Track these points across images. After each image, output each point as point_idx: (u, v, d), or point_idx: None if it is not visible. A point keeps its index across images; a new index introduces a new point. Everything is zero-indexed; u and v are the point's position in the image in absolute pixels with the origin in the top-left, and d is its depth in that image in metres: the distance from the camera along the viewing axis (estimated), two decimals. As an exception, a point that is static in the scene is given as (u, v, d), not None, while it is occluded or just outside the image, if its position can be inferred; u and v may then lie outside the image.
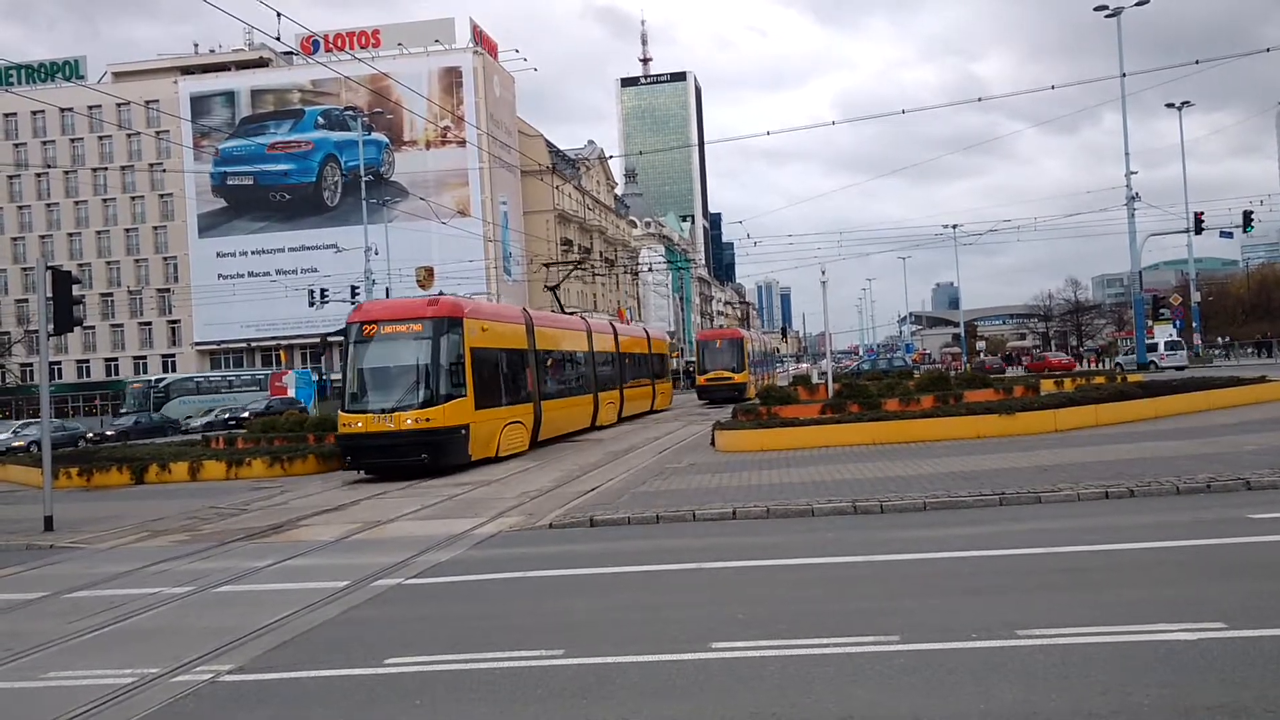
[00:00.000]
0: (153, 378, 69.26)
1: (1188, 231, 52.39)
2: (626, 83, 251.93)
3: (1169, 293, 72.86)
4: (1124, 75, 47.45)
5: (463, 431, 20.70)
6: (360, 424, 20.28)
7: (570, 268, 38.39)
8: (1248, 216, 48.76)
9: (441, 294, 23.34)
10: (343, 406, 21.20)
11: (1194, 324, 63.40)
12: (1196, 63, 36.09)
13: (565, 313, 34.87)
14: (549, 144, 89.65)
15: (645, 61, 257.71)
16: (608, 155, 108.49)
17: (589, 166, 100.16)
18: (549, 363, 27.59)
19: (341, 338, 22.07)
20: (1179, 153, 73.66)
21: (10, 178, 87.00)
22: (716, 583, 9.07)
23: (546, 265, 38.42)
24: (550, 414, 26.52)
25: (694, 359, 59.86)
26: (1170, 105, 58.21)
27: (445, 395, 20.48)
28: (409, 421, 20.07)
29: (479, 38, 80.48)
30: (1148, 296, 57.50)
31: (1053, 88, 46.51)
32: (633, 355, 38.70)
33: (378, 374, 21.01)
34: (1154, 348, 53.14)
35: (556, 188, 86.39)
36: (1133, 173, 50.55)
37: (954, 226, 67.95)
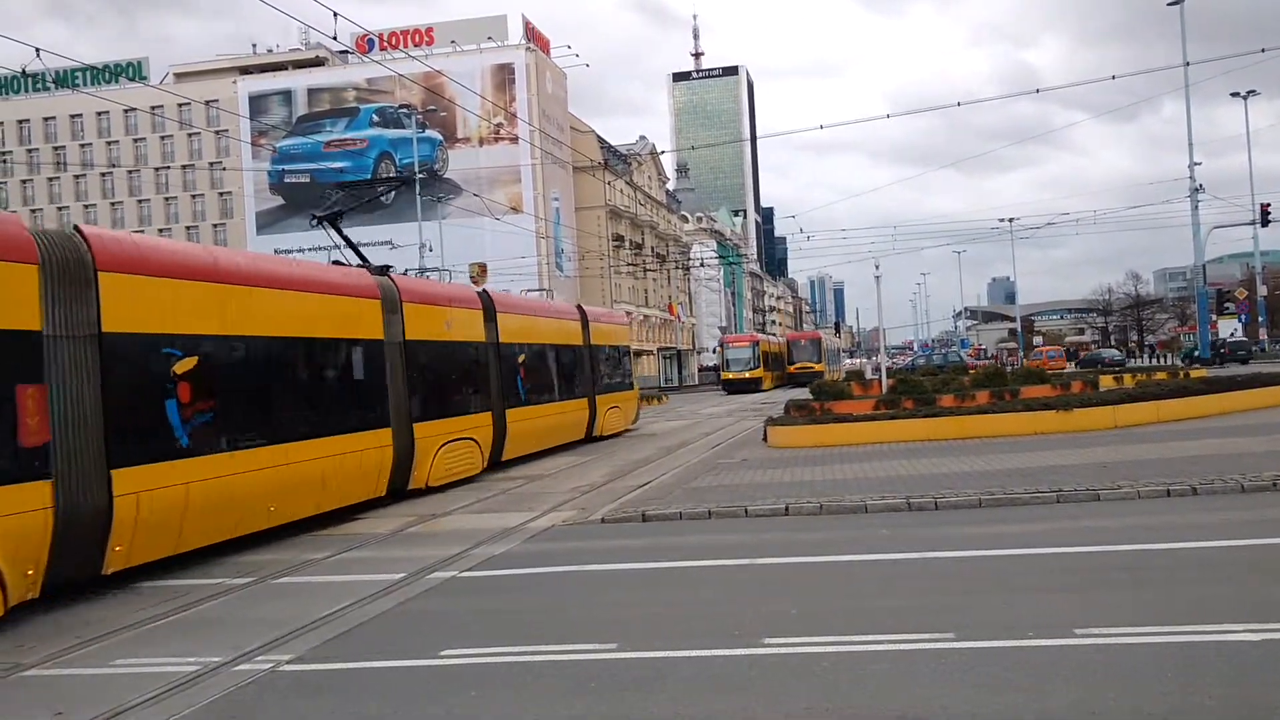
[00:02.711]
0: None
1: (1253, 224, 51.11)
2: (678, 77, 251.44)
3: (1234, 286, 71.13)
4: (1187, 64, 46.42)
5: None
6: None
7: (369, 194, 21.48)
8: (1316, 208, 47.41)
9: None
10: None
11: (1259, 318, 61.90)
12: (1263, 50, 35.21)
13: (369, 267, 17.45)
14: (600, 139, 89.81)
15: (697, 56, 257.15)
16: (659, 150, 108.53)
17: (640, 162, 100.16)
18: (211, 369, 11.91)
19: None
20: (1244, 142, 72.08)
21: (76, 177, 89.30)
22: (769, 578, 9.06)
23: (330, 200, 20.19)
24: (204, 491, 11.39)
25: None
26: (1235, 94, 56.87)
27: None
28: None
29: (531, 34, 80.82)
30: (1211, 290, 56.24)
31: (1113, 78, 45.91)
32: (542, 350, 23.60)
33: None
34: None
35: (608, 183, 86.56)
36: (1196, 163, 49.44)
37: (1010, 220, 67.09)
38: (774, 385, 63.56)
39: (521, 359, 21.91)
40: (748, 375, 59.47)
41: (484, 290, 21.59)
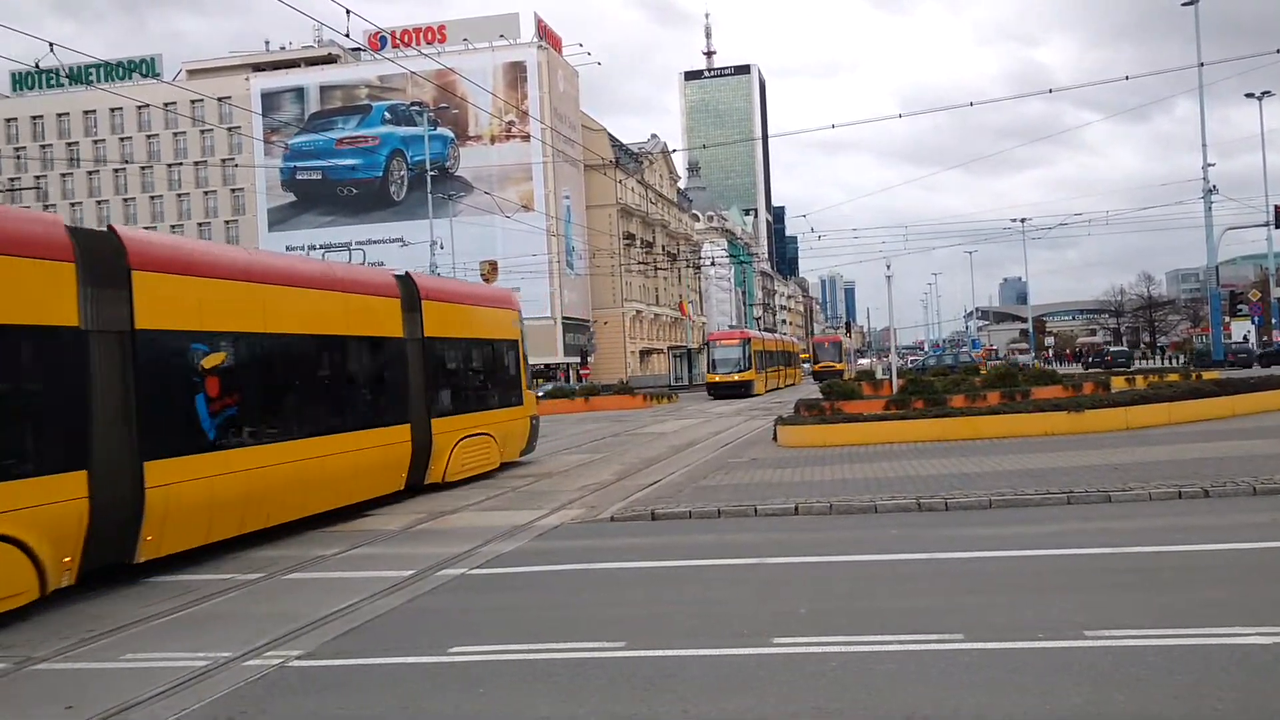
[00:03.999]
0: None
1: (1267, 225, 50.89)
2: (690, 76, 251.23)
3: (1247, 288, 70.78)
4: (1201, 65, 46.25)
5: None
6: None
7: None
8: (1331, 209, 47.16)
9: None
10: None
11: (1273, 320, 61.59)
12: (1278, 51, 35.02)
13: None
14: (612, 138, 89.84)
15: (709, 55, 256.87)
16: (670, 149, 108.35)
17: (652, 160, 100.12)
18: None
19: None
20: (1258, 142, 71.71)
21: (90, 173, 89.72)
22: (778, 578, 9.05)
23: None
24: None
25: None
26: (1250, 95, 56.54)
27: None
28: None
29: (543, 32, 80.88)
30: (1224, 292, 55.98)
31: (1127, 78, 45.53)
32: (290, 345, 13.31)
33: None
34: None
35: (620, 182, 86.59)
36: (1210, 164, 49.18)
37: (1023, 220, 66.73)
38: (769, 389, 56.37)
39: (218, 362, 11.79)
40: (736, 378, 50.73)
41: (109, 228, 10.78)
